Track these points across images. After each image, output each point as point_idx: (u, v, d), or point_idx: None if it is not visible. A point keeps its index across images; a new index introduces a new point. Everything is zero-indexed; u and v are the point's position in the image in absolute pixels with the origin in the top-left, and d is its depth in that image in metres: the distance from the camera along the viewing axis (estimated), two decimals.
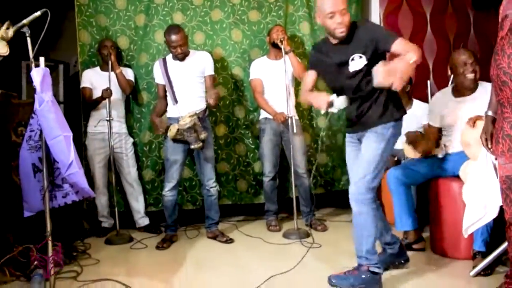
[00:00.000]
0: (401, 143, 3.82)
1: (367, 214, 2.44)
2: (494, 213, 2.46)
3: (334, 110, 2.40)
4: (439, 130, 3.23)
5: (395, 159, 3.81)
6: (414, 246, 3.13)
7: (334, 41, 2.51)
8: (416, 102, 3.97)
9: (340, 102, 2.38)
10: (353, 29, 2.44)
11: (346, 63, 2.46)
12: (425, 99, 4.14)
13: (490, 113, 2.32)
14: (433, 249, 3.12)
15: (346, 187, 4.52)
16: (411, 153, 3.40)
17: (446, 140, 3.17)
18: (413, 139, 3.35)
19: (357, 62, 2.42)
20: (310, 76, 2.66)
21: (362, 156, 2.49)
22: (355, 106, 2.51)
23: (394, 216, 3.14)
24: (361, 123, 2.53)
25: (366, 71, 2.38)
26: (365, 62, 2.41)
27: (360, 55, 2.41)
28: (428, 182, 3.18)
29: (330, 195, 4.61)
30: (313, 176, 4.39)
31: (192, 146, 3.41)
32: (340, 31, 2.40)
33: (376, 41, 2.37)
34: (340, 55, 2.48)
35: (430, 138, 3.25)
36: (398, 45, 2.32)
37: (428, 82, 4.44)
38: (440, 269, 2.81)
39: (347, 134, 2.71)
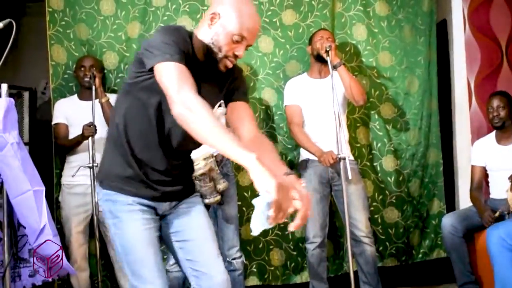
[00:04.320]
0: (505, 192, 3.77)
1: None
2: None
3: None
4: None
5: (497, 215, 3.75)
6: None
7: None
8: None
9: None
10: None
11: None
12: None
13: None
14: None
15: (427, 258, 4.46)
16: None
17: None
18: None
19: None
20: None
21: (207, 228, 2.43)
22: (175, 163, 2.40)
23: None
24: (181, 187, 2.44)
25: None
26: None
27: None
28: None
29: (405, 269, 4.55)
30: (379, 242, 4.35)
31: (207, 201, 3.42)
32: (229, 65, 2.26)
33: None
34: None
35: None
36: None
37: None
38: None
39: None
